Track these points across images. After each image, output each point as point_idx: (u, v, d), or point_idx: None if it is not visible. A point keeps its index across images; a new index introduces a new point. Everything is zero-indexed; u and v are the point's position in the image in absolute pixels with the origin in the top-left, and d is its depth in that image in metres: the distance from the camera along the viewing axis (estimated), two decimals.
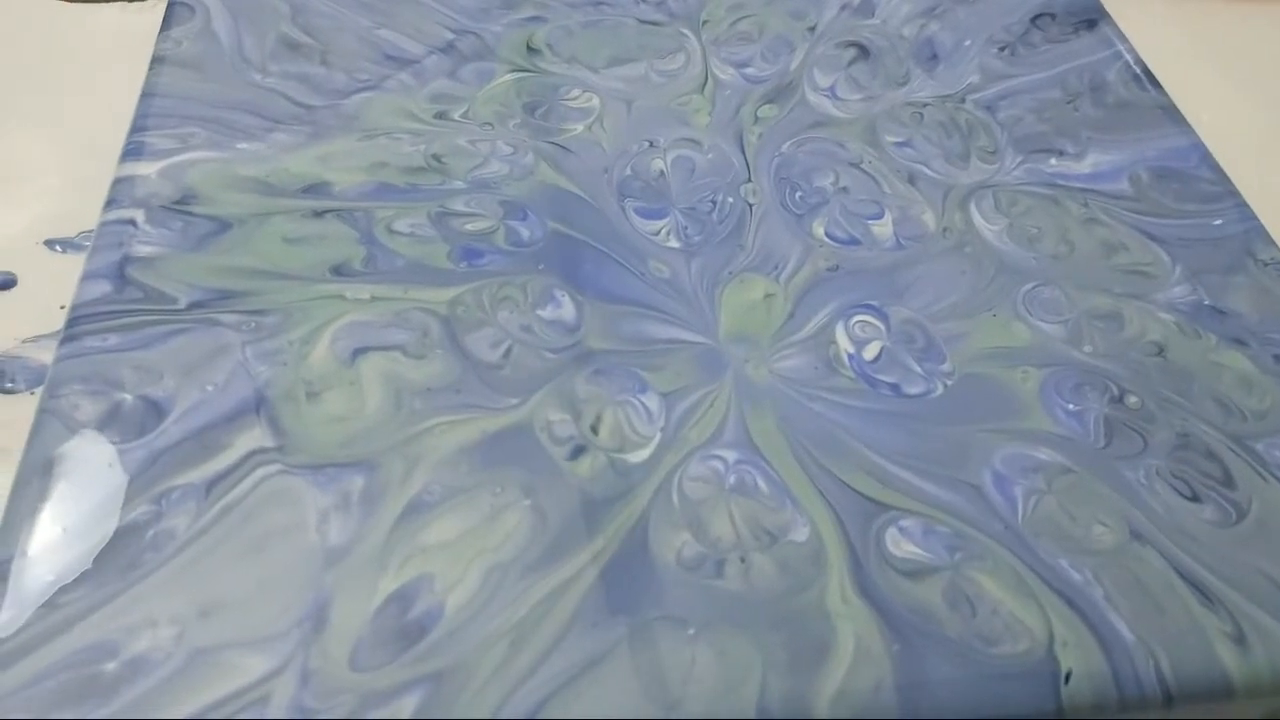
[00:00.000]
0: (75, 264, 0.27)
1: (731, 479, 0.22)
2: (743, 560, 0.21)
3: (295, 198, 0.26)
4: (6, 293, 0.29)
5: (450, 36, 0.31)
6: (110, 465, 0.21)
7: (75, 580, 0.19)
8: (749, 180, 0.29)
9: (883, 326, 0.26)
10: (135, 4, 0.38)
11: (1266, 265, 0.28)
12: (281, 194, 0.26)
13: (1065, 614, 0.21)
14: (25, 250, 0.30)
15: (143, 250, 0.25)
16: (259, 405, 0.22)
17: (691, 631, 0.20)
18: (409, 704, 0.18)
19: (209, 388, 0.22)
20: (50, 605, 0.19)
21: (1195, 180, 0.30)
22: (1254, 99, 0.40)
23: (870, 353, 0.25)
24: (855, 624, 0.20)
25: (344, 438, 0.22)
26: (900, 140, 0.30)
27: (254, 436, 0.22)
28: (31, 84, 0.35)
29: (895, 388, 0.24)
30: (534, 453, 0.22)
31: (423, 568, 0.20)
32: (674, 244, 0.27)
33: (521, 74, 0.31)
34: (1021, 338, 0.26)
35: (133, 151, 0.27)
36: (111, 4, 0.38)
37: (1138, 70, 0.33)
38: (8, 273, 0.29)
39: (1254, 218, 0.29)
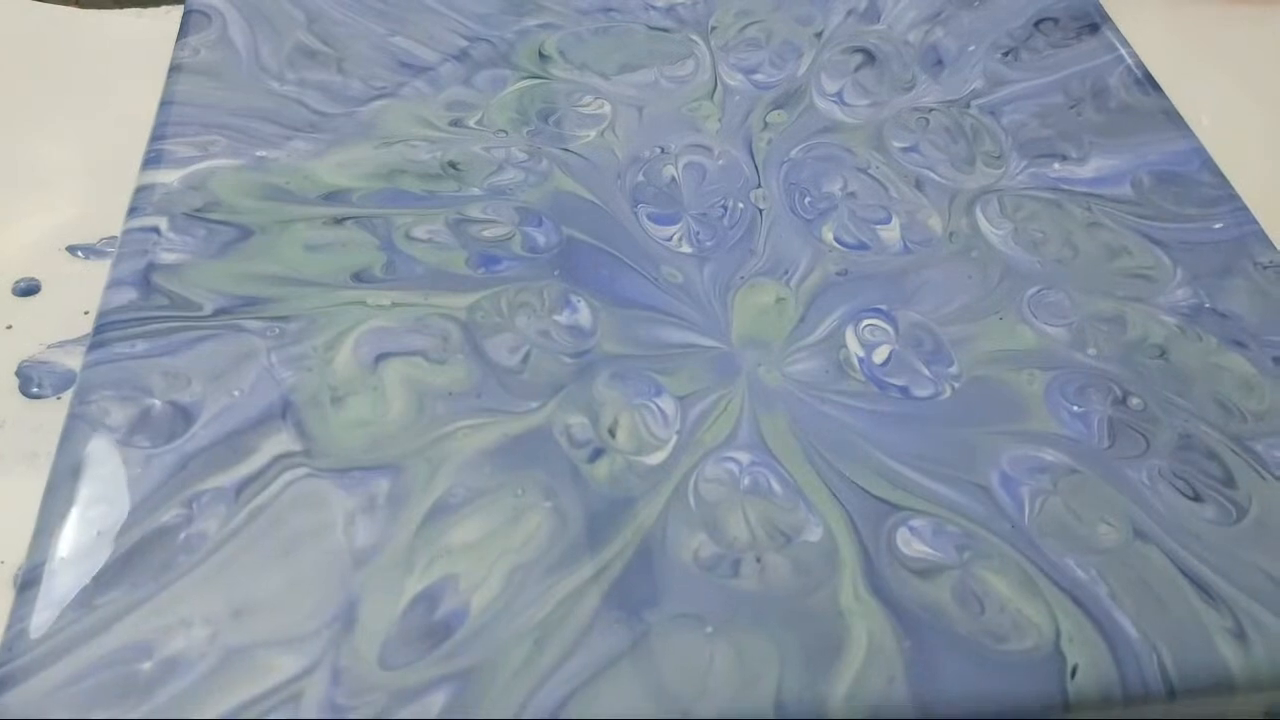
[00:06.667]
0: (98, 269, 0.27)
1: (746, 481, 0.23)
2: (758, 560, 0.21)
3: (315, 205, 0.27)
4: (30, 299, 0.29)
5: (463, 44, 0.32)
6: (141, 469, 0.21)
7: (110, 582, 0.20)
8: (759, 186, 0.29)
9: (892, 330, 0.26)
10: (149, 11, 0.38)
11: (1265, 268, 0.29)
12: (302, 201, 0.27)
13: (1071, 611, 0.21)
14: (47, 256, 0.30)
15: (167, 257, 0.25)
16: (285, 410, 0.23)
17: (709, 630, 0.20)
18: (437, 701, 0.19)
19: (236, 393, 0.23)
20: (87, 607, 0.19)
21: (1196, 184, 0.31)
22: (1254, 102, 0.40)
23: (880, 356, 0.26)
24: (868, 621, 0.21)
25: (369, 441, 0.22)
26: (907, 145, 0.31)
27: (281, 441, 0.22)
28: (46, 91, 0.36)
29: (904, 390, 0.25)
30: (554, 455, 0.23)
31: (448, 568, 0.21)
32: (686, 249, 0.27)
33: (534, 81, 0.31)
34: (1027, 341, 0.26)
35: (154, 159, 0.27)
36: (125, 11, 0.38)
37: (1139, 74, 0.34)
38: (31, 279, 0.30)
39: (1253, 221, 0.30)
